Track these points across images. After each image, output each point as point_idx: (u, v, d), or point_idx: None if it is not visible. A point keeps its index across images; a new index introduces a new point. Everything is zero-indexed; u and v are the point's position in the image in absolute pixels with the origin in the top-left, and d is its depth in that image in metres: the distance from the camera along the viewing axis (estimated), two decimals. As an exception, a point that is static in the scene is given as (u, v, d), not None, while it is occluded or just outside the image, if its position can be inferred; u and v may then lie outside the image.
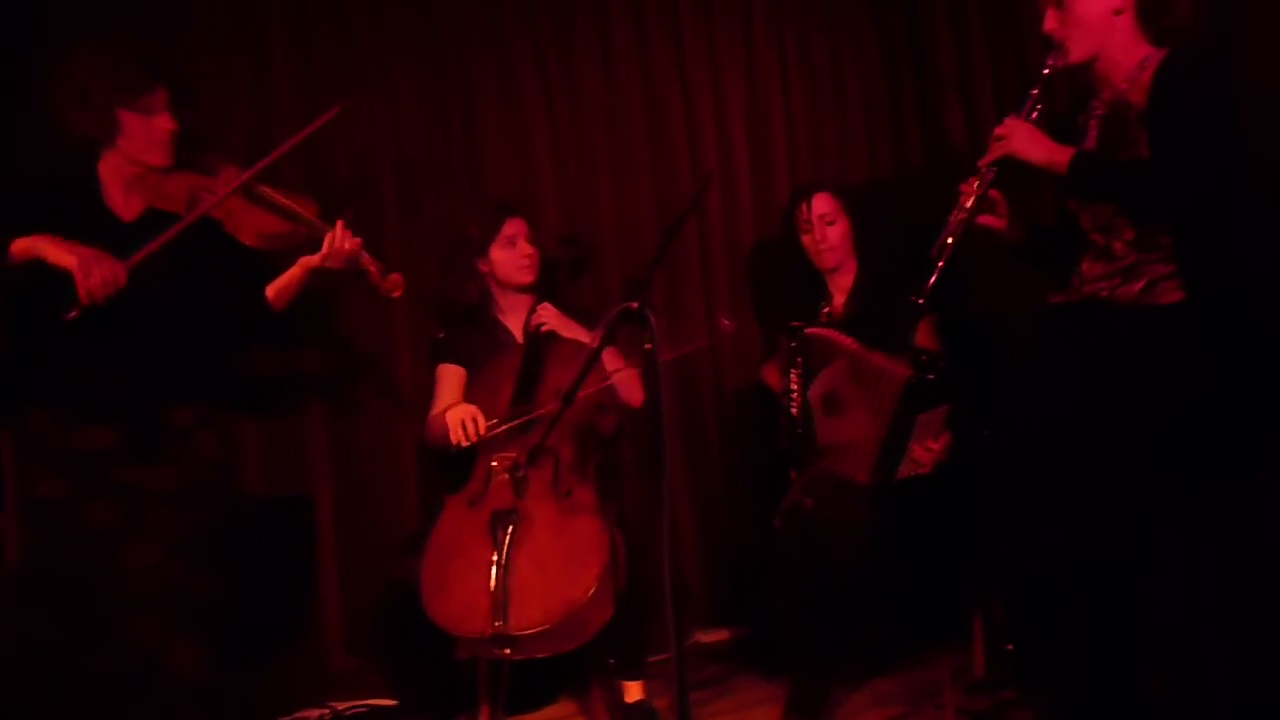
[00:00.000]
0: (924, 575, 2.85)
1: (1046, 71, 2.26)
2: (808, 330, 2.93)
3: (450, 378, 3.03)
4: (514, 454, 2.71)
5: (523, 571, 2.54)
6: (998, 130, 2.27)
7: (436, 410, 2.97)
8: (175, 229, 2.34)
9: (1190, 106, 2.09)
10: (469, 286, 3.08)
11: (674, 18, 3.66)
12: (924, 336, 2.91)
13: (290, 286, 2.56)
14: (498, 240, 3.04)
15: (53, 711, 2.29)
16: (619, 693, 2.81)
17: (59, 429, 2.33)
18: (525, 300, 3.09)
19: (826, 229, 3.07)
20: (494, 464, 2.80)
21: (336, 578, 3.33)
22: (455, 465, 2.93)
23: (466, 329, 3.09)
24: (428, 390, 3.10)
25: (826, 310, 3.13)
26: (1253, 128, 2.37)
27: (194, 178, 2.46)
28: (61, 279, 2.20)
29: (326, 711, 3.20)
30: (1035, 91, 2.27)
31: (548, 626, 2.49)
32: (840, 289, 3.13)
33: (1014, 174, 2.30)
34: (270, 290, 2.56)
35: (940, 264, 2.27)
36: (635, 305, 2.17)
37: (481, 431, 2.78)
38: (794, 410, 2.92)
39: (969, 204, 2.29)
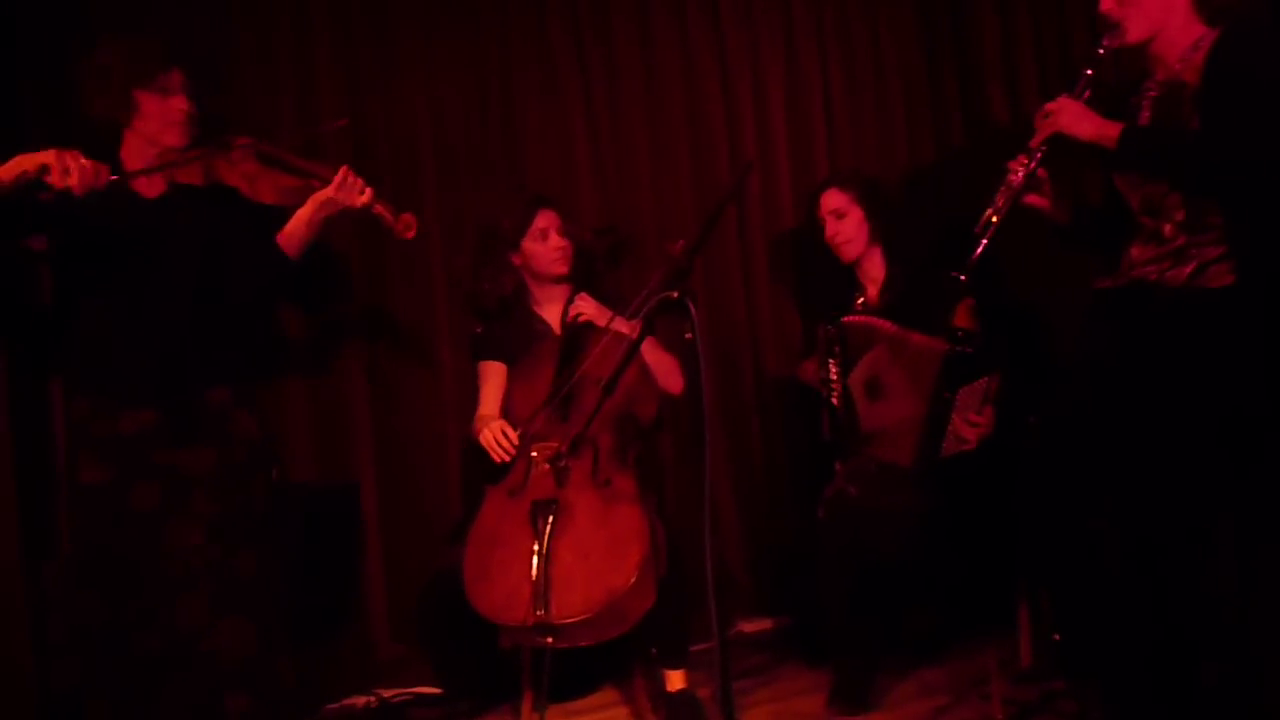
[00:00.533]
0: (969, 564, 2.83)
1: (1101, 51, 2.23)
2: (845, 319, 2.92)
3: (492, 375, 3.04)
4: (555, 444, 2.73)
5: (564, 561, 2.55)
6: (1047, 106, 2.25)
7: (481, 410, 2.99)
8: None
9: (1245, 84, 2.06)
10: (503, 279, 3.08)
11: (713, 4, 3.64)
12: (963, 318, 2.88)
13: (300, 225, 2.49)
14: (529, 233, 3.04)
15: (109, 693, 2.33)
16: (661, 681, 2.81)
17: (99, 414, 2.36)
18: (562, 291, 3.09)
19: (839, 223, 3.05)
20: (534, 454, 2.81)
21: (382, 566, 3.36)
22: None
23: (503, 322, 3.09)
24: (468, 382, 3.12)
25: (860, 301, 3.10)
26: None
27: (210, 153, 2.47)
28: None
29: (373, 699, 3.24)
30: (1089, 71, 2.25)
31: (589, 615, 2.50)
32: (871, 280, 3.10)
33: (1062, 158, 2.27)
34: (281, 236, 2.51)
35: (984, 240, 2.25)
36: (675, 295, 2.17)
37: (514, 439, 2.82)
38: (835, 400, 2.91)
39: (1016, 181, 2.26)
